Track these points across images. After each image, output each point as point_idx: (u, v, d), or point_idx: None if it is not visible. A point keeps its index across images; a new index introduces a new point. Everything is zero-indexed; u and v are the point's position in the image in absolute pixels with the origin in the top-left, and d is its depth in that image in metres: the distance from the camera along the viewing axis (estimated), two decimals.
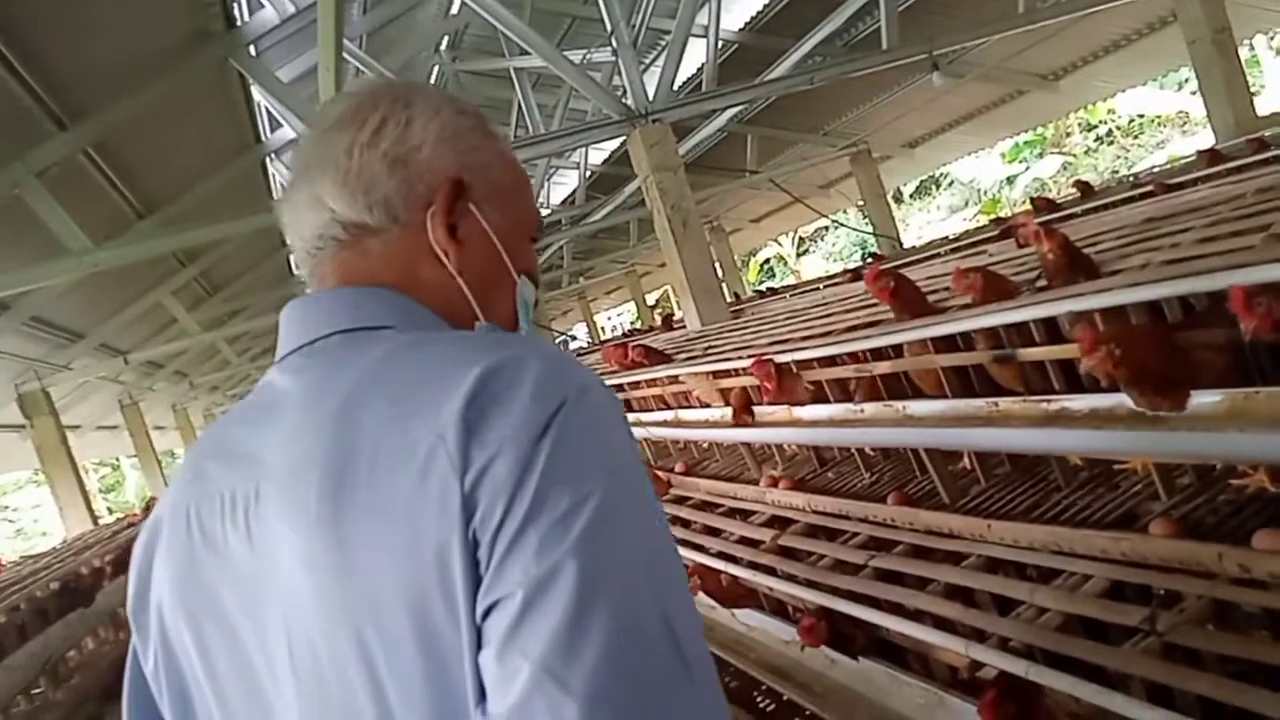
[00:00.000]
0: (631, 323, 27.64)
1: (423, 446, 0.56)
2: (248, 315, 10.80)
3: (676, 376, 4.15)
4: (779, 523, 2.99)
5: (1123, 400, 1.66)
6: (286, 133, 6.43)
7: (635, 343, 4.54)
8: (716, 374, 3.68)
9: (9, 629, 3.66)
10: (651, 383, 4.46)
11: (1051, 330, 1.99)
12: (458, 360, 0.60)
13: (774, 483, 3.15)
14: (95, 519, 8.27)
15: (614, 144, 11.24)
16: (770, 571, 2.73)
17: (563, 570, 0.51)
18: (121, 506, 24.97)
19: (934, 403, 2.39)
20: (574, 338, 18.59)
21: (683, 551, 3.10)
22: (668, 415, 4.18)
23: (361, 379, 0.62)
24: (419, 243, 0.72)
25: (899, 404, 2.52)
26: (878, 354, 2.57)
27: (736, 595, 2.87)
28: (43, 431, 8.07)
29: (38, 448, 8.06)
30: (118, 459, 24.51)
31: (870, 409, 2.66)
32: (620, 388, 4.81)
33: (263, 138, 6.61)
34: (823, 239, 27.11)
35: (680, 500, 3.71)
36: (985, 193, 20.82)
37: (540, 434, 0.55)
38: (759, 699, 3.21)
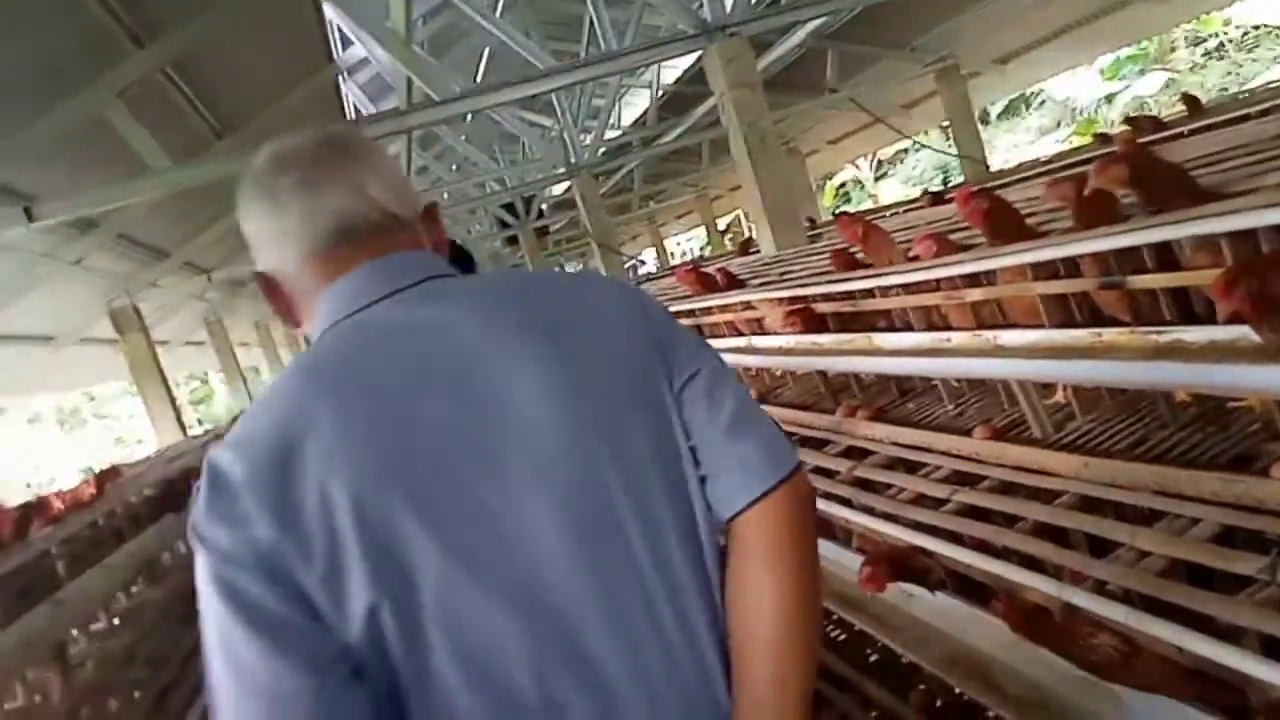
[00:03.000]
0: (701, 248, 27.30)
1: (620, 306, 0.92)
2: None
3: (750, 302, 4.06)
4: (856, 454, 2.90)
5: (1245, 333, 1.52)
6: (358, 50, 6.37)
7: (710, 267, 4.43)
8: (791, 300, 3.58)
9: (107, 532, 3.86)
10: (724, 308, 4.38)
11: (1165, 256, 1.84)
12: (589, 275, 1.06)
13: (851, 412, 3.06)
14: (185, 430, 8.65)
15: (687, 61, 10.90)
16: (845, 503, 2.66)
17: (711, 360, 0.94)
18: (211, 418, 26.16)
19: (1029, 332, 2.26)
20: (642, 262, 18.49)
21: None
22: (740, 342, 4.10)
23: (520, 285, 0.92)
24: (417, 233, 0.95)
25: (990, 333, 2.40)
26: (969, 280, 2.44)
27: None
28: (133, 346, 8.40)
29: (129, 361, 8.42)
30: (206, 373, 25.55)
31: (959, 338, 2.54)
32: (691, 312, 4.74)
33: (334, 57, 6.55)
34: (901, 162, 26.11)
35: None
36: (1081, 112, 19.59)
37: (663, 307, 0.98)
38: (830, 629, 3.19)
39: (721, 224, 21.24)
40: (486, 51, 9.92)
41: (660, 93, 10.74)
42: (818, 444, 3.12)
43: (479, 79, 9.49)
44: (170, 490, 4.72)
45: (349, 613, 0.76)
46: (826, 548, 2.74)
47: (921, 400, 3.06)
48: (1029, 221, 2.43)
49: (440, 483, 0.78)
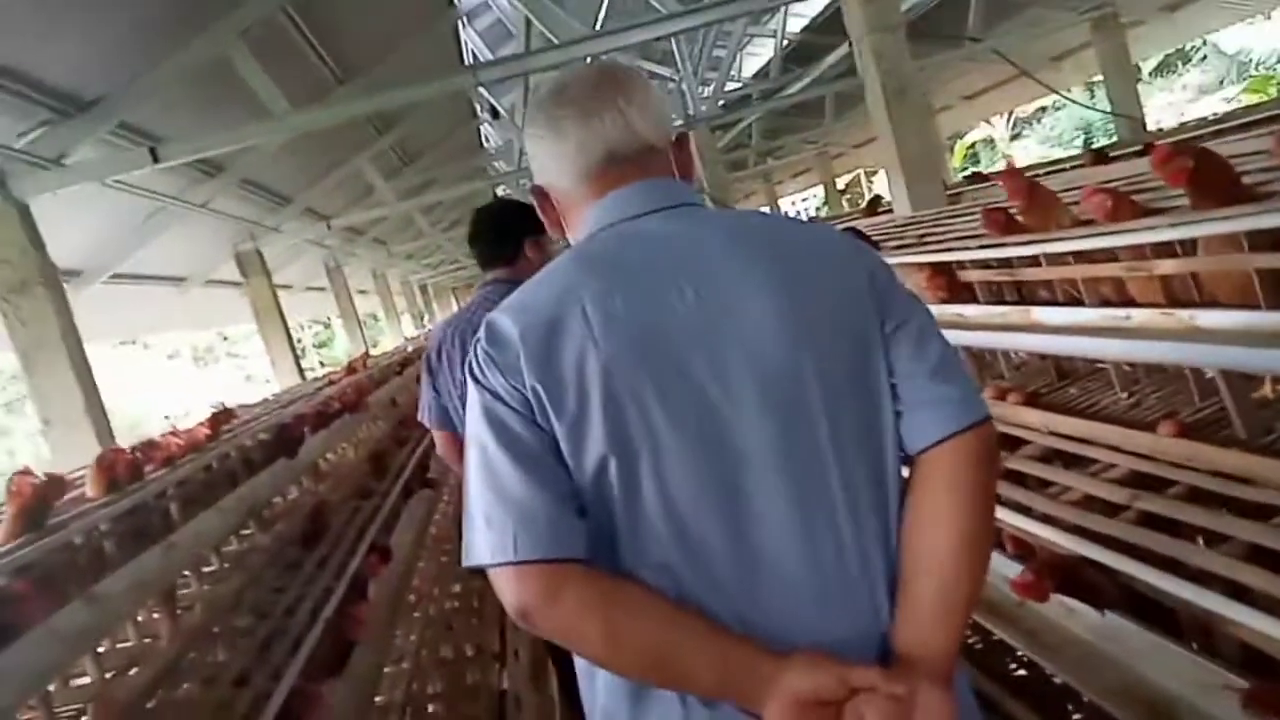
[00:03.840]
0: (818, 208, 26.47)
1: (847, 252, 1.01)
2: (440, 186, 11.03)
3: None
4: (1006, 442, 2.57)
5: None
6: None
7: (841, 226, 4.11)
8: (935, 266, 3.24)
9: (220, 475, 3.89)
10: None
11: None
12: (817, 224, 1.32)
13: (1001, 394, 2.72)
14: (303, 374, 8.89)
15: (817, 7, 10.34)
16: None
17: (924, 315, 1.02)
18: (333, 360, 27.24)
19: (1237, 314, 1.89)
20: None
21: None
22: None
23: (757, 220, 1.05)
24: (669, 160, 1.05)
25: (1185, 312, 2.03)
26: (1160, 250, 2.08)
27: None
28: (257, 289, 8.65)
29: (253, 304, 8.69)
30: (329, 318, 26.55)
31: (1142, 316, 2.18)
32: None
33: (455, 1, 6.42)
34: (1038, 122, 24.51)
35: None
36: (1257, 66, 17.65)
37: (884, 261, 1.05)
38: (968, 635, 2.89)
39: (840, 184, 20.46)
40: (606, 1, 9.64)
41: (785, 42, 10.23)
42: None
43: (598, 28, 9.23)
44: (283, 435, 4.76)
45: (585, 459, 0.90)
46: None
47: (1085, 385, 2.70)
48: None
49: (673, 367, 0.90)
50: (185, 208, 6.19)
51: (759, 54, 12.57)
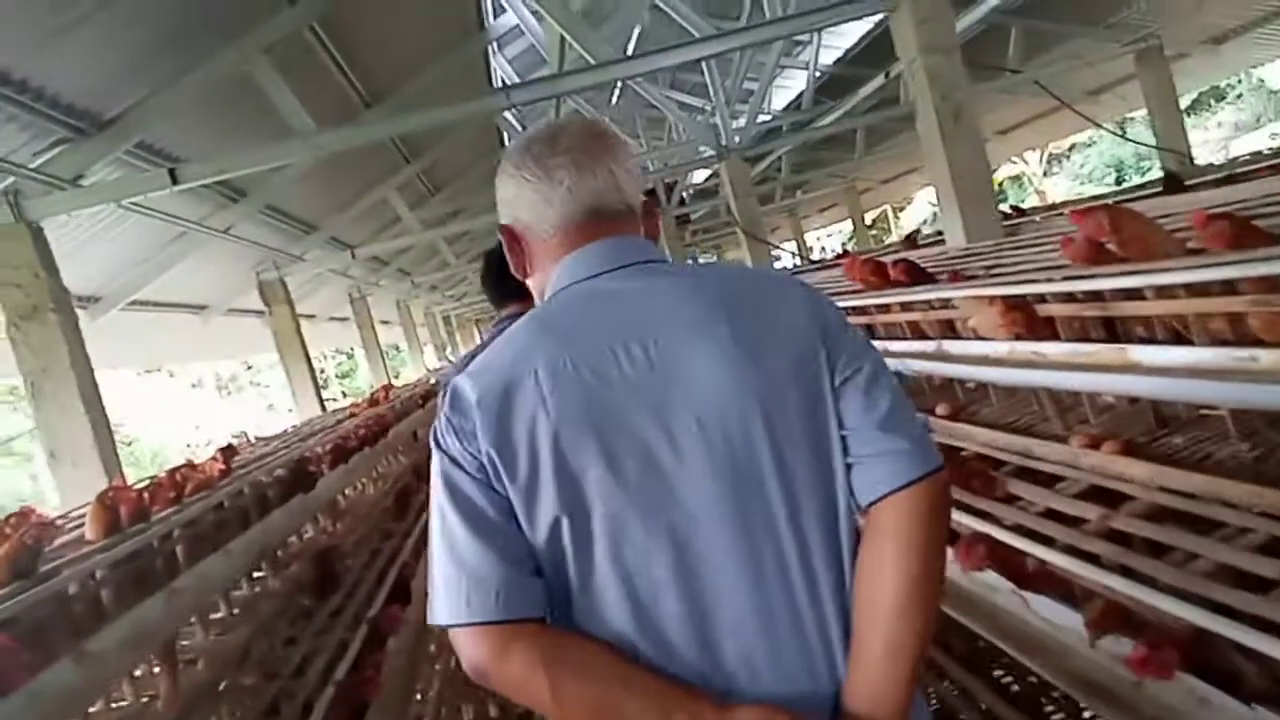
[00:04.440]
0: (844, 243, 26.26)
1: (800, 302, 1.01)
2: (466, 216, 10.90)
3: (947, 301, 3.45)
4: (1099, 496, 2.29)
5: None
6: (509, 19, 6.07)
7: (894, 258, 3.84)
8: (1009, 300, 2.97)
9: (232, 514, 3.65)
10: (907, 306, 3.78)
11: None
12: (769, 272, 1.45)
13: (1094, 443, 2.43)
14: (324, 405, 8.70)
15: (848, 41, 10.20)
16: (1092, 560, 2.07)
17: (874, 362, 1.01)
18: (355, 391, 27.19)
19: None
20: (785, 252, 17.74)
21: (963, 517, 2.49)
22: (925, 346, 3.50)
23: (713, 274, 1.04)
24: (639, 222, 1.10)
25: None
26: None
27: (1035, 577, 2.24)
28: (279, 319, 8.50)
29: (275, 334, 8.53)
30: (352, 348, 26.55)
31: (1270, 358, 1.90)
32: (864, 309, 4.17)
33: (486, 24, 6.28)
34: (1067, 159, 24.26)
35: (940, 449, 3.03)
36: None
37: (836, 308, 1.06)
38: (1049, 709, 2.59)
39: (867, 219, 20.23)
40: (638, 30, 9.53)
41: (818, 74, 10.07)
42: (1043, 479, 2.52)
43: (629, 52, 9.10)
44: (301, 471, 4.53)
45: (538, 522, 0.92)
46: (1055, 610, 2.15)
47: (1191, 434, 2.40)
48: None
49: (620, 429, 0.92)
50: (207, 234, 6.05)
51: (789, 86, 12.44)
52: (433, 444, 0.98)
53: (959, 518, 2.46)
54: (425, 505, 5.39)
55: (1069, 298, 2.65)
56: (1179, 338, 2.27)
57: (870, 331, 4.14)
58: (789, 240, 20.78)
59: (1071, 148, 23.38)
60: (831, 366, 0.97)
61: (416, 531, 4.74)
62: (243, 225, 6.55)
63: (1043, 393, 2.90)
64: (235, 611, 3.44)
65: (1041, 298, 2.82)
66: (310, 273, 8.96)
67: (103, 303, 6.06)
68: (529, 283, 1.13)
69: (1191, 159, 8.79)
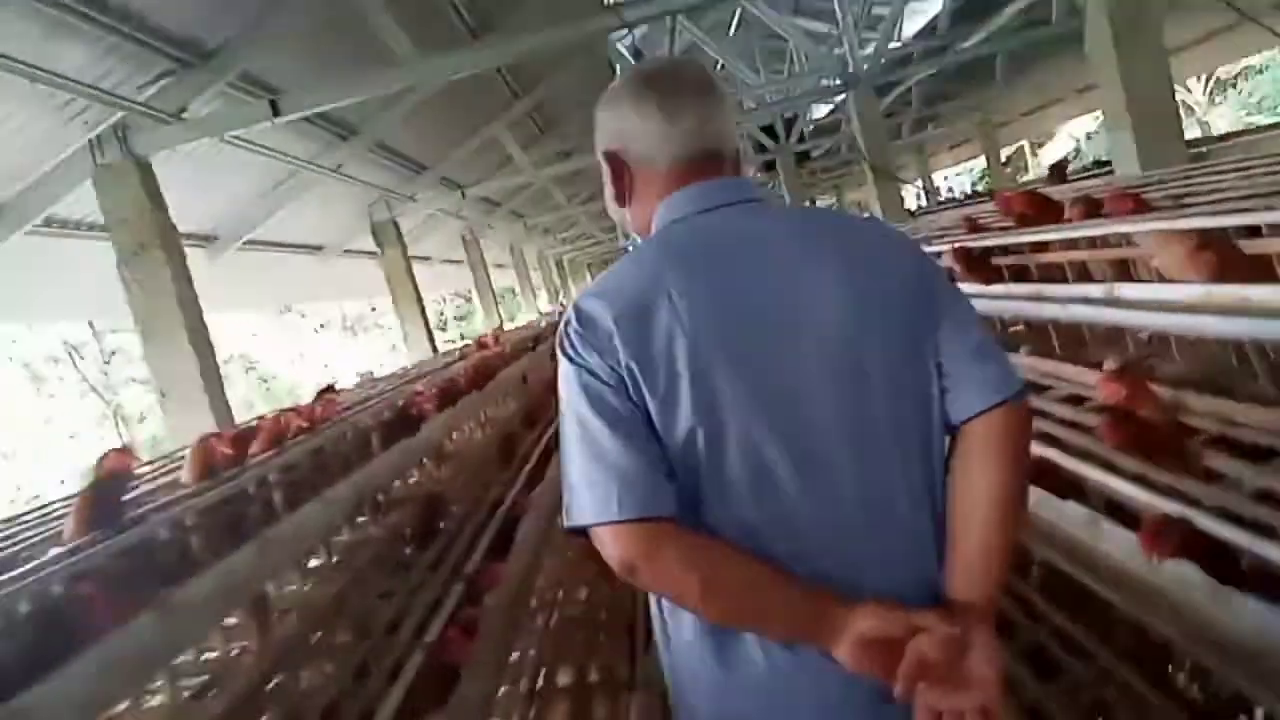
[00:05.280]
0: (974, 183, 24.72)
1: (902, 247, 1.11)
2: (578, 156, 10.63)
3: (1122, 237, 2.95)
4: None
5: None
6: None
7: (1068, 193, 3.33)
8: (1203, 236, 2.47)
9: (334, 459, 3.56)
10: (1071, 243, 3.29)
11: None
12: (868, 218, 1.37)
13: None
14: (435, 347, 8.70)
15: None
16: None
17: (965, 304, 1.10)
18: (472, 334, 27.75)
19: None
20: (915, 190, 16.74)
21: (1151, 497, 2.07)
22: (1092, 290, 3.01)
23: (823, 215, 1.15)
24: (737, 167, 1.15)
25: None
26: None
27: (1247, 575, 1.82)
28: (391, 260, 8.50)
29: (387, 276, 8.54)
30: (470, 291, 27.01)
31: None
32: (1017, 249, 3.69)
33: None
34: (1232, 87, 21.88)
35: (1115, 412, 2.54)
36: None
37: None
38: None
39: (1003, 156, 18.84)
40: None
41: None
42: (1250, 451, 2.05)
43: None
44: (405, 415, 4.43)
45: (675, 429, 0.99)
46: (1273, 618, 1.72)
47: None
48: None
49: (752, 347, 1.00)
50: (318, 172, 5.98)
51: (923, 10, 11.49)
52: (563, 358, 1.02)
53: (1146, 496, 2.03)
54: (530, 454, 5.25)
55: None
56: None
57: (1021, 274, 3.66)
58: (915, 179, 19.67)
59: (1238, 74, 21.05)
60: (931, 304, 1.06)
61: (521, 480, 4.57)
62: (354, 164, 6.46)
63: (1248, 347, 2.40)
64: (335, 559, 3.36)
65: (1254, 230, 2.33)
66: (423, 214, 8.92)
67: (219, 242, 6.12)
68: (625, 211, 1.17)
69: None
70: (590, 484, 0.97)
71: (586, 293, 1.05)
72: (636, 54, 7.71)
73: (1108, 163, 10.03)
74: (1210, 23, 9.50)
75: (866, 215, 1.54)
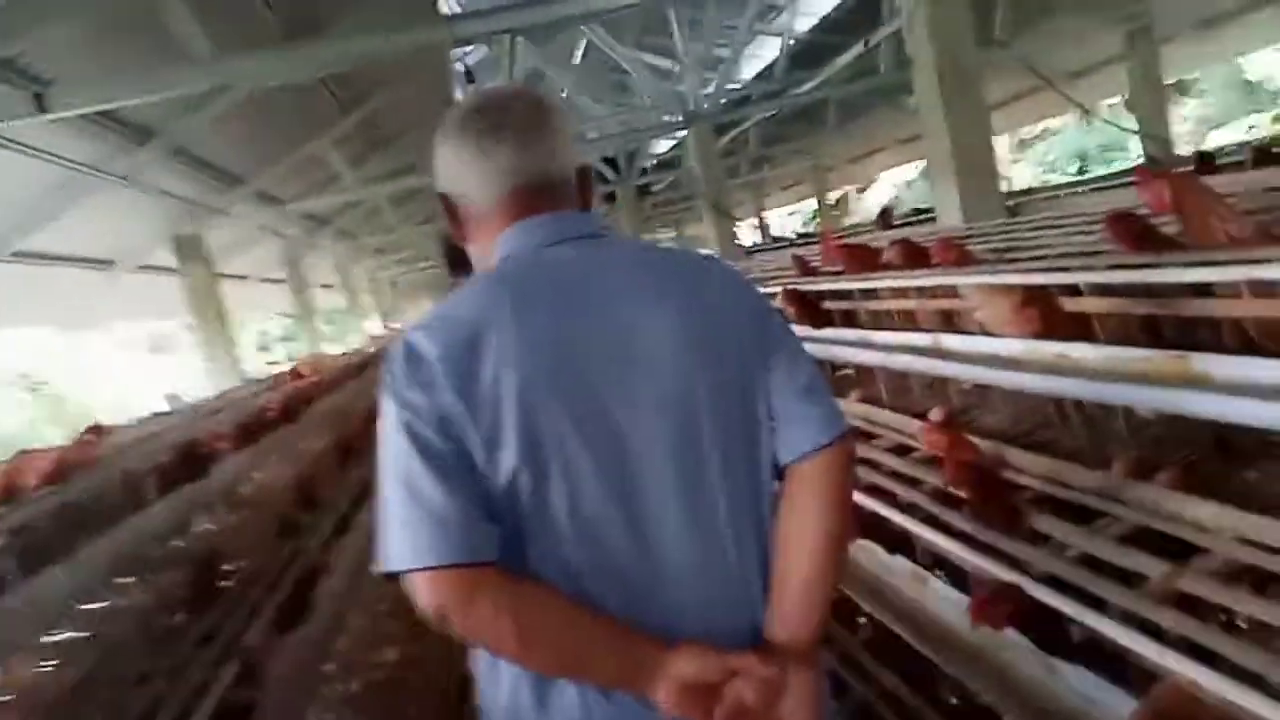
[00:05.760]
0: (806, 222, 25.88)
1: (736, 285, 1.11)
2: (415, 175, 10.13)
3: (947, 289, 2.96)
4: (1153, 542, 1.81)
5: None
6: None
7: (891, 241, 3.34)
8: (1028, 291, 2.49)
9: (92, 511, 3.03)
10: (899, 292, 3.30)
11: None
12: (704, 255, 1.23)
13: (1140, 472, 1.96)
14: (242, 376, 7.92)
15: (826, 7, 9.69)
16: (1153, 633, 1.60)
17: (795, 341, 1.11)
18: (297, 355, 26.10)
19: None
20: (751, 228, 17.23)
21: (978, 559, 2.01)
22: (919, 339, 3.03)
23: (658, 251, 1.15)
24: (575, 190, 1.12)
25: None
26: None
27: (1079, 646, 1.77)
28: (195, 278, 7.70)
29: (189, 294, 7.72)
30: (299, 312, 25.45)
31: None
32: (844, 294, 3.69)
33: None
34: (1030, 147, 24.09)
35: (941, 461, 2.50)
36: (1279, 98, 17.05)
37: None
38: None
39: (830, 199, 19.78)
40: None
41: (792, 40, 9.51)
42: (1073, 512, 2.03)
43: None
44: (192, 455, 3.91)
45: (499, 471, 0.96)
46: (1101, 690, 1.67)
47: (1267, 469, 1.93)
48: None
49: (581, 386, 0.98)
50: (104, 179, 5.31)
51: (760, 55, 11.87)
52: (387, 395, 0.98)
53: (973, 557, 1.97)
54: (340, 493, 4.79)
55: (1108, 291, 2.18)
56: (1251, 346, 1.82)
57: (850, 319, 3.66)
58: (749, 217, 20.32)
59: (1038, 135, 23.21)
60: (762, 341, 1.07)
61: (328, 527, 4.14)
62: (150, 172, 5.80)
63: (1069, 404, 2.42)
64: (88, 634, 2.85)
65: (1073, 289, 2.35)
66: (237, 229, 8.18)
67: None
68: (469, 249, 1.16)
69: (1171, 145, 8.47)
70: (403, 525, 0.94)
71: (415, 325, 1.02)
72: (469, 76, 7.47)
73: (928, 210, 10.67)
74: (1016, 86, 10.26)
75: (706, 253, 1.55)
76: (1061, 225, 3.05)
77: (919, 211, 10.07)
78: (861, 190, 25.46)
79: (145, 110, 5.24)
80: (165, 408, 5.76)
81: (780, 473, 1.09)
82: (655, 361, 1.00)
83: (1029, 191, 6.15)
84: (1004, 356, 2.51)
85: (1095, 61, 9.67)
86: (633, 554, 0.99)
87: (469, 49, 8.98)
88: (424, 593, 0.93)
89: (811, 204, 22.69)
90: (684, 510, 1.00)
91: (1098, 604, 1.66)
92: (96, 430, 3.38)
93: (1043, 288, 2.40)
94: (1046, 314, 2.37)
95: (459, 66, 8.48)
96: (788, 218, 29.35)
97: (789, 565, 1.04)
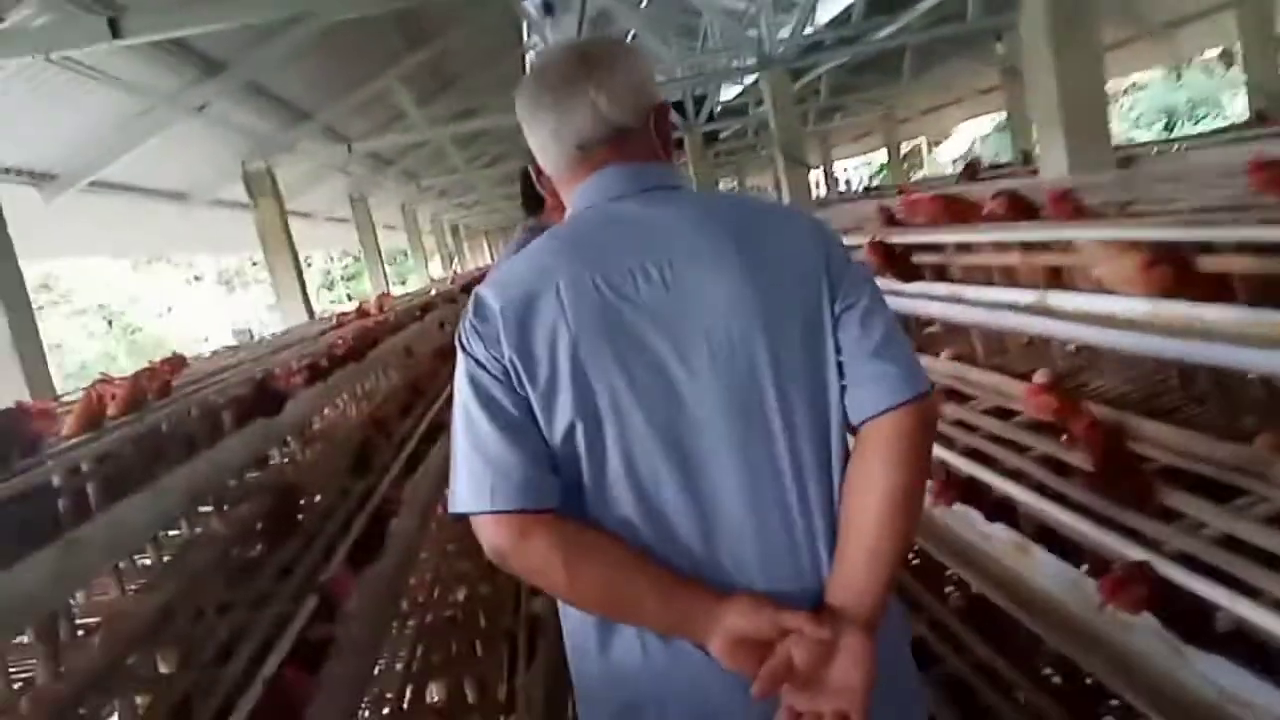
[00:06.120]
0: (873, 175, 25.19)
1: (806, 235, 1.06)
2: (480, 117, 10.02)
3: (1068, 243, 2.77)
4: None
5: None
6: None
7: (996, 191, 3.13)
8: (1156, 249, 2.30)
9: (172, 442, 3.05)
10: (1000, 246, 3.11)
11: None
12: (777, 205, 1.22)
13: None
14: (311, 312, 8.00)
15: None
16: None
17: (871, 295, 1.05)
18: (360, 295, 26.52)
19: None
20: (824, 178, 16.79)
21: (1105, 537, 1.88)
22: (1022, 296, 2.85)
23: (725, 201, 1.10)
24: (647, 137, 1.10)
25: None
26: None
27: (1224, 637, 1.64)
28: (265, 214, 7.74)
29: (260, 230, 7.78)
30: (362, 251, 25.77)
31: None
32: (937, 247, 3.50)
33: None
34: (1113, 102, 22.97)
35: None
36: None
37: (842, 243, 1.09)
38: None
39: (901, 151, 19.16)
40: None
41: None
42: (1206, 487, 1.87)
43: None
44: (265, 390, 3.92)
45: (555, 424, 0.98)
46: (1244, 683, 1.53)
47: None
48: None
49: (635, 343, 0.98)
50: (176, 111, 5.31)
51: (834, 1, 11.41)
52: (458, 346, 1.02)
53: (1101, 537, 1.83)
54: (414, 430, 4.81)
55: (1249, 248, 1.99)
56: None
57: (940, 273, 3.47)
58: (816, 167, 19.81)
59: (1125, 89, 22.11)
60: (832, 296, 1.03)
61: (399, 463, 4.15)
62: (222, 105, 5.79)
63: (1202, 372, 2.25)
64: (166, 559, 2.88)
65: (1206, 246, 2.15)
66: (304, 166, 8.19)
67: (58, 181, 5.35)
68: (555, 215, 1.19)
69: None
70: (470, 473, 0.98)
71: (486, 282, 1.06)
72: (548, 7, 7.27)
73: (1006, 164, 10.23)
74: (1108, 37, 9.71)
75: (782, 203, 1.40)
76: (1183, 179, 2.82)
77: (995, 167, 9.66)
78: (935, 144, 24.63)
79: (218, 42, 5.22)
80: (233, 342, 5.84)
81: (855, 431, 1.06)
82: (711, 318, 0.99)
83: (1138, 145, 5.80)
84: (1123, 317, 2.33)
85: (1196, 10, 9.09)
86: (688, 510, 1.00)
87: None
88: (485, 534, 0.99)
89: (879, 156, 22.06)
90: (741, 469, 1.00)
91: (1244, 589, 1.52)
92: (173, 361, 3.38)
93: (1172, 245, 2.21)
94: (1179, 273, 2.19)
95: (529, 4, 8.27)
96: (854, 170, 28.64)
97: (854, 529, 1.01)
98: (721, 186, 21.65)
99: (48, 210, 5.33)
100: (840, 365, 1.03)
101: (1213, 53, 11.21)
